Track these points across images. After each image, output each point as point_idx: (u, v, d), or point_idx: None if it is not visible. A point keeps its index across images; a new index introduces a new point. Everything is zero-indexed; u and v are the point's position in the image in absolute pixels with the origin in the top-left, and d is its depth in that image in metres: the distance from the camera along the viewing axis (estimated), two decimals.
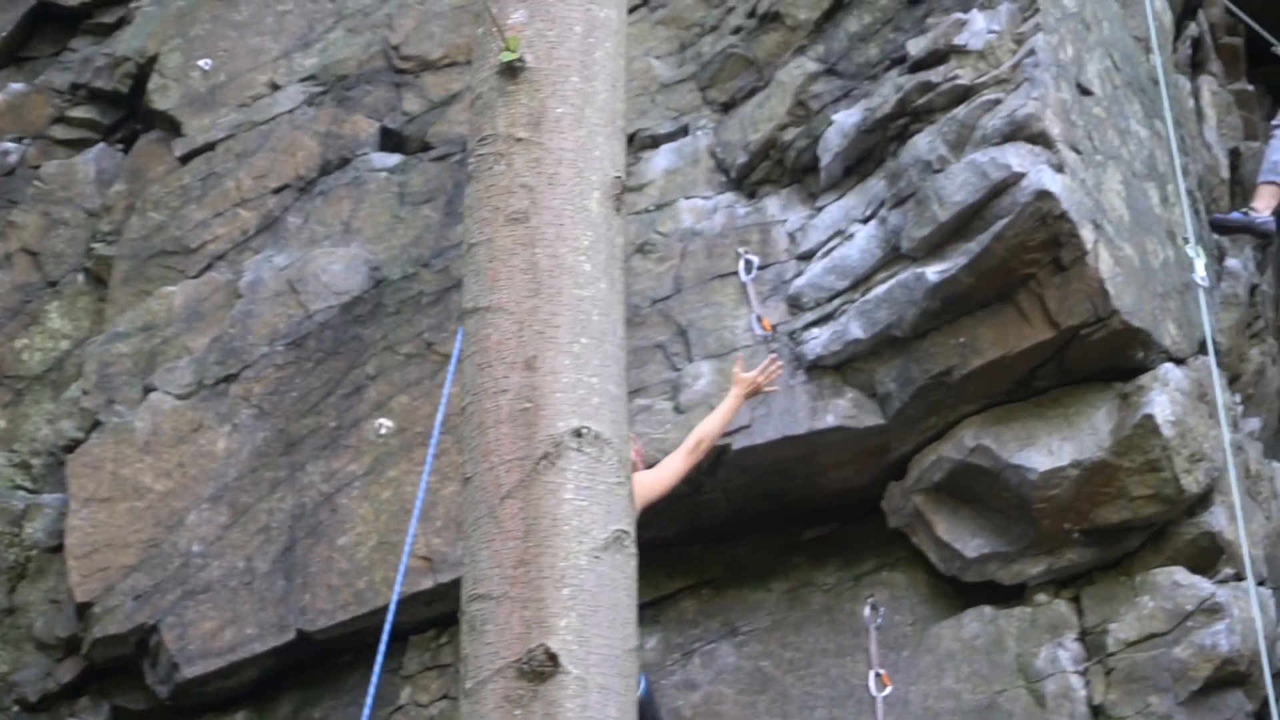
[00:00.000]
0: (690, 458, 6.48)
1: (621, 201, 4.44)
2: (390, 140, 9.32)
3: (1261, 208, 9.19)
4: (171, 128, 9.79)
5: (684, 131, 8.67)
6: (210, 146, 9.57)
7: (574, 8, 4.38)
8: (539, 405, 4.32)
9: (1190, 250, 7.98)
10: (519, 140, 4.32)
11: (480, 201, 4.39)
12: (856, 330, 7.52)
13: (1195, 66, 9.79)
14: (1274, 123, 9.57)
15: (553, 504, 4.34)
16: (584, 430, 4.32)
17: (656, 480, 6.27)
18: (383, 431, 8.21)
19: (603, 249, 4.41)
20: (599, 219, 4.37)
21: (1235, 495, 7.14)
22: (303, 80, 9.67)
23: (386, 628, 6.22)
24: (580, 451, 4.32)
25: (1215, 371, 7.69)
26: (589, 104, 4.35)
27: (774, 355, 7.05)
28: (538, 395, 4.32)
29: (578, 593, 4.35)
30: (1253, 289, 9.16)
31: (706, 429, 6.57)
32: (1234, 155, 9.73)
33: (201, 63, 9.91)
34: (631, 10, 8.74)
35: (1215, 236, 9.01)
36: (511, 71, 4.34)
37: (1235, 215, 9.18)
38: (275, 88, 9.71)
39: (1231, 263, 9.07)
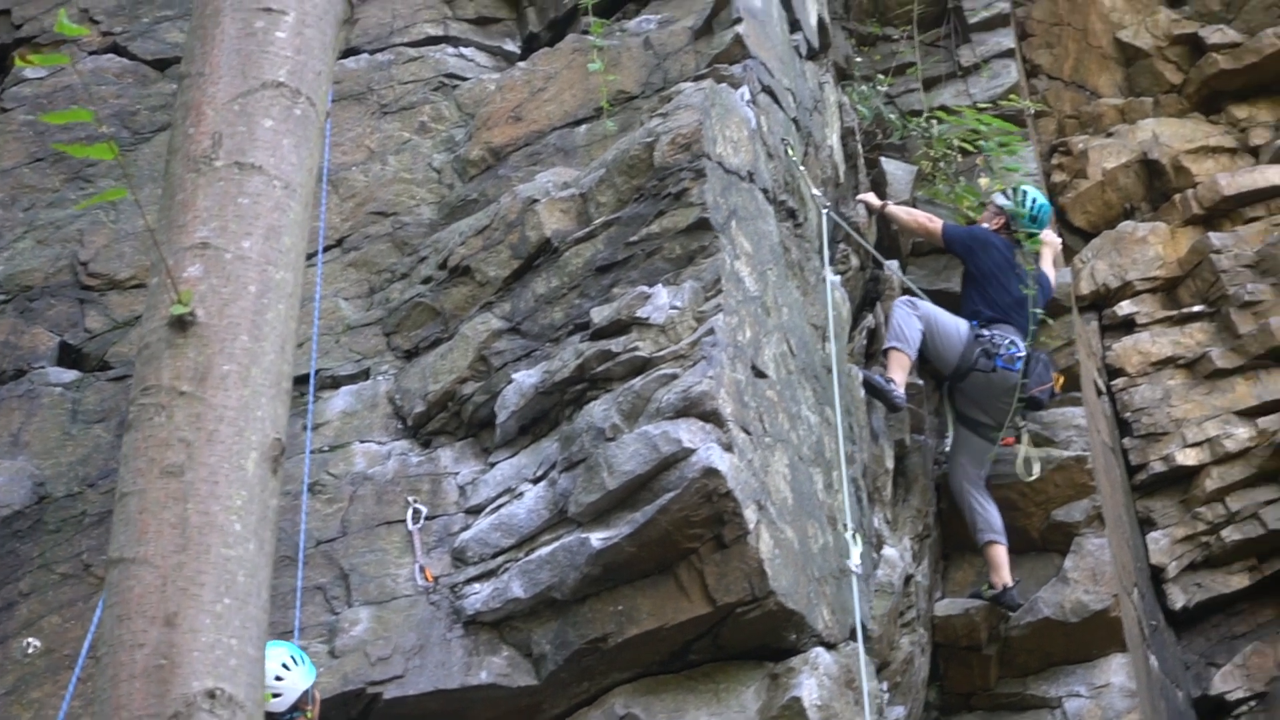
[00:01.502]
0: None
1: (279, 464, 4.41)
2: (69, 356, 9.12)
3: (898, 380, 9.66)
4: None
5: (365, 375, 8.66)
6: None
7: (250, 267, 4.36)
8: (175, 663, 4.20)
9: (848, 537, 8.19)
10: (182, 394, 4.26)
11: (137, 451, 4.30)
12: (517, 589, 7.51)
13: (869, 357, 10.15)
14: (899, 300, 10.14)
15: None
16: (218, 692, 4.21)
17: None
18: (30, 651, 7.92)
19: (255, 510, 4.35)
20: (254, 480, 4.32)
21: None
22: None
23: None
24: (212, 714, 4.20)
25: (863, 659, 7.85)
26: (256, 364, 4.32)
27: None
28: (175, 653, 4.20)
29: None
30: (907, 578, 9.41)
31: None
32: (899, 447, 10.05)
33: None
34: (325, 249, 8.81)
35: (876, 525, 9.26)
36: (181, 325, 4.29)
37: (878, 379, 9.56)
38: None
39: (889, 551, 9.32)
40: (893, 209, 10.67)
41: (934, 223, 10.58)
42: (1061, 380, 10.44)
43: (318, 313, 8.39)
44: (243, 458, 4.31)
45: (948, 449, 10.42)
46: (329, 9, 4.61)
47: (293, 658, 6.65)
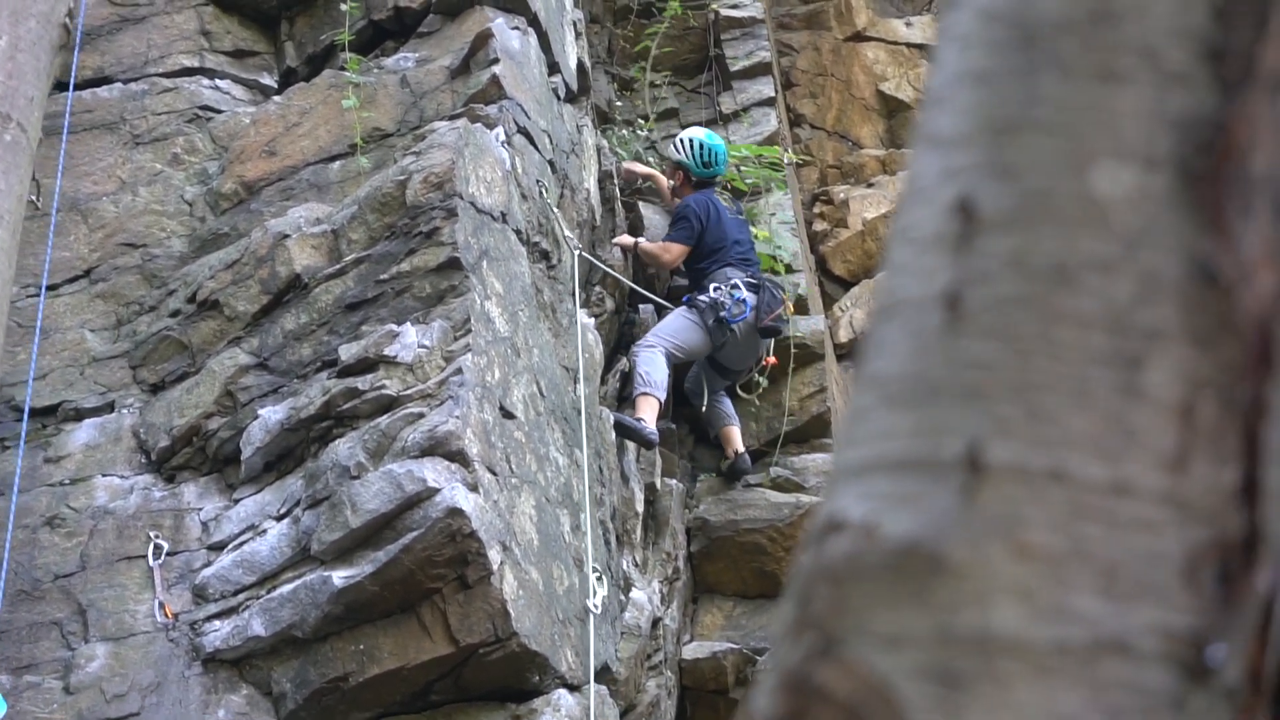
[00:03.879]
0: None
1: None
2: None
3: (648, 419, 9.78)
4: None
5: (110, 408, 8.52)
6: None
7: None
8: None
9: (592, 578, 8.24)
10: None
11: None
12: (258, 627, 7.43)
13: (622, 400, 10.22)
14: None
15: None
16: None
17: None
18: None
19: None
20: None
21: None
22: None
23: None
24: None
25: (594, 699, 7.89)
26: None
27: None
28: None
29: None
30: (655, 621, 9.47)
31: None
32: (650, 490, 10.13)
33: None
34: (72, 280, 8.67)
35: (624, 568, 9.31)
36: None
37: (628, 419, 9.67)
38: None
39: (637, 594, 9.37)
40: (643, 245, 10.86)
41: (663, 253, 10.81)
42: (792, 308, 10.72)
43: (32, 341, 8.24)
44: None
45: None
46: (43, 35, 4.56)
47: None
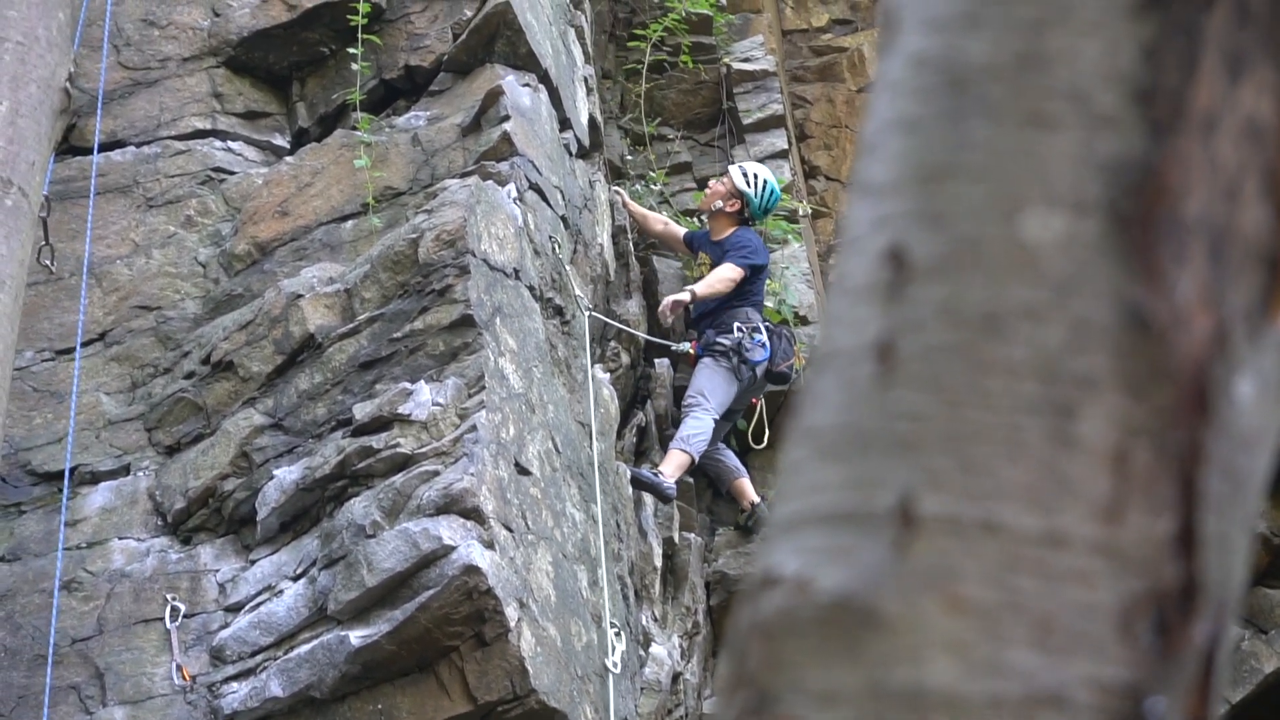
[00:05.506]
0: None
1: None
2: None
3: (668, 474, 9.76)
4: None
5: (125, 470, 8.53)
6: None
7: None
8: None
9: (610, 634, 8.21)
10: None
11: None
12: (276, 688, 7.41)
13: (639, 454, 10.20)
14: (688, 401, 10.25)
15: None
16: None
17: None
18: None
19: None
20: None
21: None
22: None
23: None
24: None
25: None
26: None
27: None
28: None
29: None
30: (676, 676, 9.43)
31: None
32: (668, 544, 10.10)
33: None
34: (87, 344, 8.69)
35: (643, 623, 9.28)
36: None
37: (646, 473, 9.64)
38: None
39: (657, 649, 9.34)
40: (700, 291, 10.40)
41: (729, 274, 10.44)
42: (803, 359, 10.69)
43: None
44: None
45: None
46: (44, 100, 4.58)
47: None
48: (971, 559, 1.25)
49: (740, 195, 10.82)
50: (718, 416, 10.10)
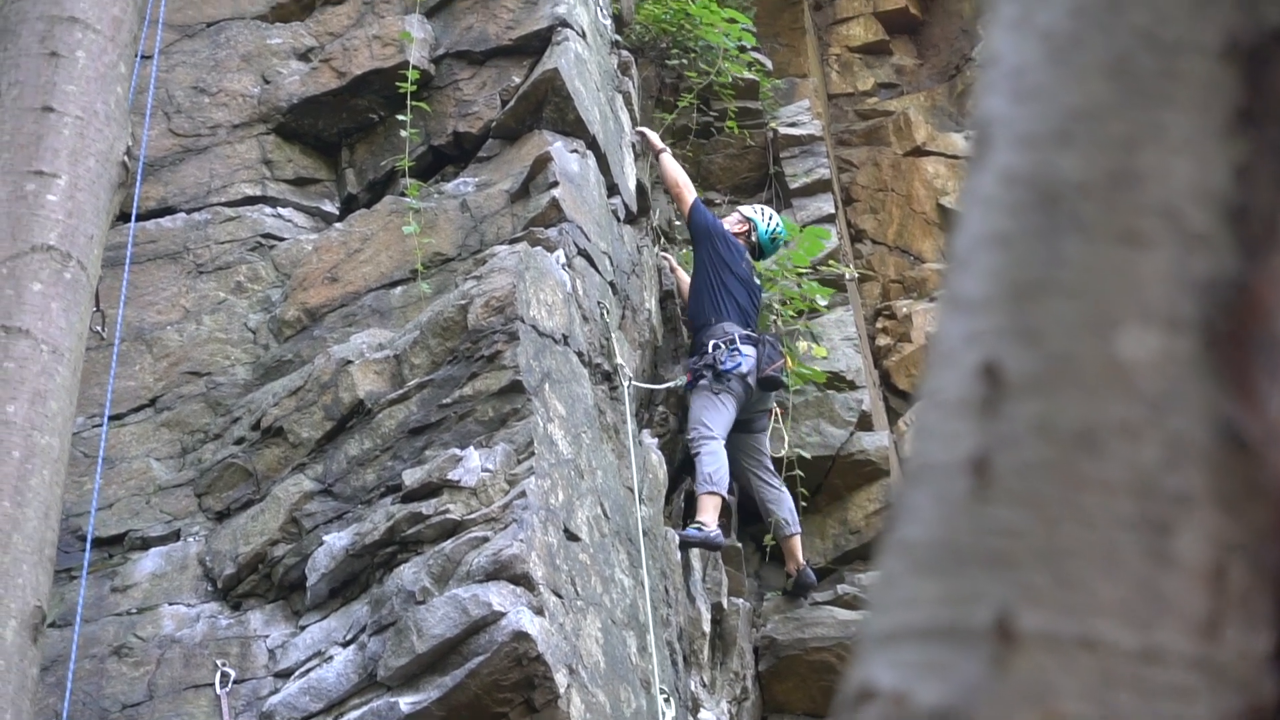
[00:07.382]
0: None
1: (40, 632, 4.35)
2: None
3: (709, 522, 9.71)
4: None
5: (176, 536, 8.57)
6: None
7: (15, 432, 4.33)
8: None
9: (660, 701, 8.19)
10: None
11: None
12: None
13: (688, 519, 10.20)
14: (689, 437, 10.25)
15: None
16: None
17: None
18: None
19: (13, 679, 4.29)
20: (13, 649, 4.26)
21: None
22: None
23: None
24: None
25: None
26: (18, 530, 4.28)
27: None
28: None
29: None
30: None
31: None
32: (717, 610, 10.09)
33: None
34: (137, 410, 8.74)
35: (692, 688, 9.26)
36: None
37: (691, 532, 9.63)
38: None
39: (706, 715, 9.31)
40: (665, 158, 11.18)
41: (690, 192, 11.06)
42: (791, 363, 10.86)
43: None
44: (2, 626, 4.26)
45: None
46: (102, 173, 4.62)
47: None
48: (1070, 675, 1.26)
49: (748, 220, 11.17)
50: (723, 438, 10.12)
